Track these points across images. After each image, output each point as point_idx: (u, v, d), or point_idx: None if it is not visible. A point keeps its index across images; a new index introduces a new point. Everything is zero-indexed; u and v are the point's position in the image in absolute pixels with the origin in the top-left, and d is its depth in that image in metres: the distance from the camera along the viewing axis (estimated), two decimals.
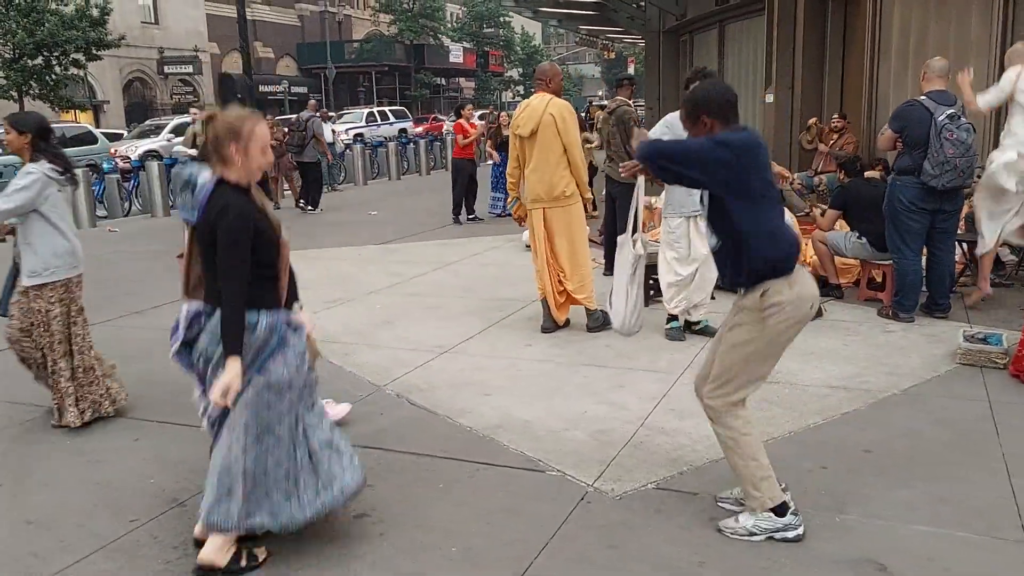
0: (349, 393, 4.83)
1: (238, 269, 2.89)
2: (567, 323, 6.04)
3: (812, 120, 10.83)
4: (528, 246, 8.80)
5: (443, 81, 51.95)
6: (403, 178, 20.22)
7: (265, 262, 3.00)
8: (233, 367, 2.87)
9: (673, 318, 5.74)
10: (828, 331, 5.79)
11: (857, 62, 11.08)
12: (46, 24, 22.30)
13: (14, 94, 23.12)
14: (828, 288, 6.62)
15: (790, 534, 3.09)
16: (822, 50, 11.29)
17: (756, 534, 3.11)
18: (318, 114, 14.37)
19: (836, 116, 10.64)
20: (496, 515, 3.38)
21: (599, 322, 5.91)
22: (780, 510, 3.10)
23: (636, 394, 4.68)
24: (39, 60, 22.85)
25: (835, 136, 10.52)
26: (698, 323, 5.77)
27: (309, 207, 13.64)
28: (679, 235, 5.61)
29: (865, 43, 10.70)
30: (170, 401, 4.77)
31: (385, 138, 23.28)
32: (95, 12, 23.61)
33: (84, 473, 3.86)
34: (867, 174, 6.67)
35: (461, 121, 12.43)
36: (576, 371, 5.12)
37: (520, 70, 58.73)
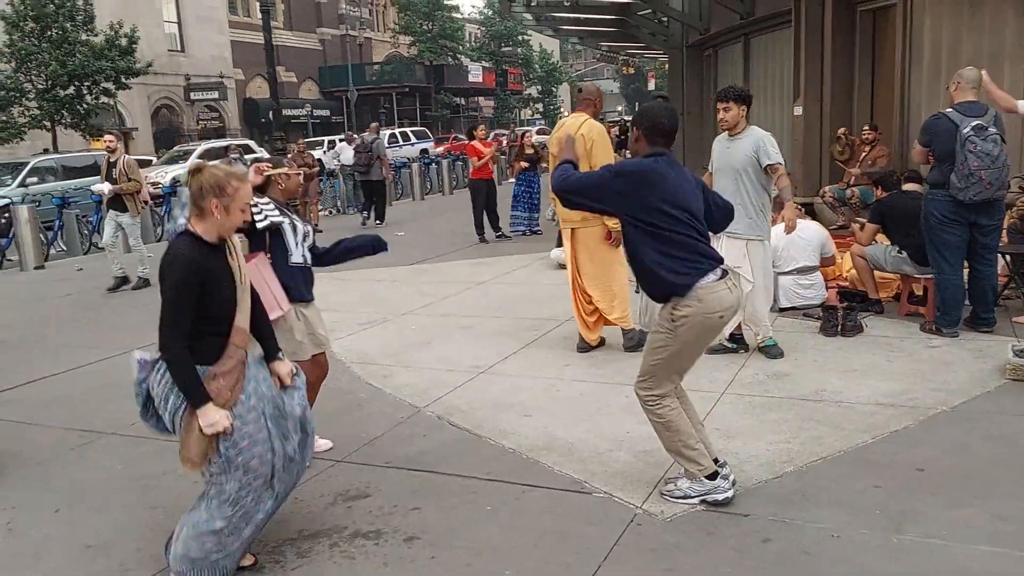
0: (389, 415, 4.84)
1: (178, 323, 2.88)
2: (602, 342, 6.01)
3: (841, 130, 10.74)
4: (560, 264, 8.85)
5: (463, 101, 52.28)
6: (427, 198, 20.34)
7: (214, 318, 2.98)
8: (206, 415, 2.87)
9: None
10: (871, 347, 5.72)
11: (888, 72, 11.00)
12: (78, 55, 22.75)
13: (47, 123, 23.58)
14: (868, 303, 6.56)
15: (719, 496, 3.51)
16: (851, 61, 11.22)
17: (691, 496, 3.53)
18: (378, 136, 15.37)
19: (867, 127, 10.54)
20: (546, 537, 3.36)
21: (634, 341, 5.88)
22: (711, 476, 3.51)
23: None
24: (71, 90, 23.30)
25: (866, 148, 10.43)
26: (762, 342, 5.67)
27: (377, 221, 14.79)
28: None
29: (896, 53, 10.61)
30: None
31: (408, 159, 23.44)
32: (124, 42, 24.06)
33: (138, 498, 3.89)
34: (907, 186, 6.59)
35: (474, 143, 12.48)
36: (616, 391, 5.09)
37: (539, 88, 58.93)
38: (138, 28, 25.01)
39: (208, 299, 2.94)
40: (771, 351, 5.58)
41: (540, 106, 60.14)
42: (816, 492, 3.62)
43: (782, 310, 6.66)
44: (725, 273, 3.46)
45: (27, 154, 21.04)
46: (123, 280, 9.56)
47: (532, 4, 17.07)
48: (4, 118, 23.00)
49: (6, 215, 13.95)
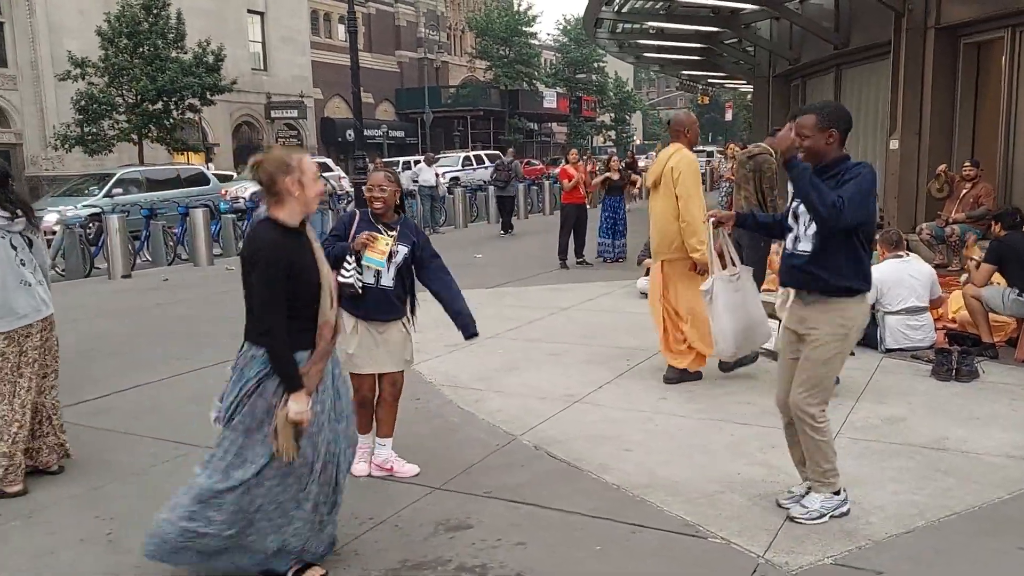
0: (484, 442, 4.70)
1: (276, 307, 2.92)
2: (699, 376, 5.77)
3: (941, 167, 10.32)
4: (643, 294, 8.64)
5: (536, 126, 52.44)
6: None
7: (299, 306, 3.00)
8: (299, 400, 2.92)
9: None
10: (990, 394, 5.37)
11: (991, 107, 10.56)
12: (167, 71, 23.50)
13: (134, 137, 24.38)
14: (982, 347, 6.18)
15: (845, 508, 3.63)
16: (952, 94, 10.79)
17: (824, 514, 3.58)
18: (515, 158, 17.42)
19: (967, 164, 10.10)
20: None
21: (730, 363, 5.73)
22: (837, 492, 3.64)
23: (791, 457, 4.37)
24: (159, 105, 24.08)
25: (967, 185, 9.99)
26: None
27: (509, 230, 16.52)
28: None
29: (1001, 86, 10.19)
30: None
31: (484, 181, 23.51)
32: (211, 59, 24.81)
33: None
34: None
35: (567, 167, 12.42)
36: (719, 428, 4.86)
37: (612, 115, 58.80)
38: (225, 47, 25.77)
39: (293, 286, 2.97)
40: None
41: (613, 133, 59.95)
42: (953, 551, 3.35)
43: (888, 351, 6.33)
44: None
45: (115, 166, 21.74)
46: None
47: (617, 31, 16.99)
48: (95, 130, 23.87)
49: (95, 223, 14.40)
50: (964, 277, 7.25)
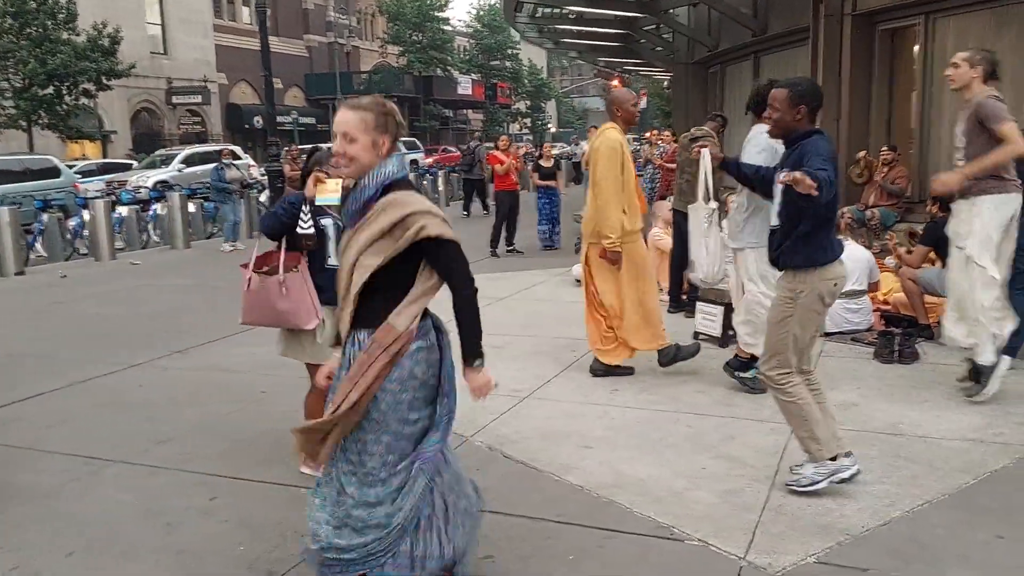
0: None
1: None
2: (630, 371, 5.59)
3: (861, 153, 10.52)
4: (578, 280, 8.47)
5: (451, 113, 51.87)
6: None
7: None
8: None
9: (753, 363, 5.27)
10: (934, 375, 5.38)
11: (906, 93, 10.79)
12: (59, 54, 22.07)
13: (23, 123, 22.82)
14: (919, 328, 6.23)
15: (845, 474, 3.61)
16: (869, 81, 10.98)
17: (818, 481, 3.59)
18: (483, 144, 17.69)
19: (885, 148, 10.32)
20: None
21: (669, 356, 5.54)
22: (833, 458, 3.62)
23: (751, 447, 4.26)
24: (50, 90, 22.58)
25: (885, 169, 10.21)
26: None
27: (484, 211, 16.88)
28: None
29: (915, 72, 10.42)
30: (237, 453, 4.36)
31: None
32: (106, 42, 23.42)
33: (164, 540, 3.40)
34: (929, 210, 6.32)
35: (496, 152, 12.15)
36: (676, 420, 4.70)
37: (528, 103, 58.67)
38: (121, 29, 24.38)
39: None
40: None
41: (528, 121, 59.83)
42: (934, 543, 3.25)
43: (828, 334, 6.32)
44: None
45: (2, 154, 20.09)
46: None
47: (537, 15, 16.77)
48: None
49: None
50: (889, 260, 7.35)
